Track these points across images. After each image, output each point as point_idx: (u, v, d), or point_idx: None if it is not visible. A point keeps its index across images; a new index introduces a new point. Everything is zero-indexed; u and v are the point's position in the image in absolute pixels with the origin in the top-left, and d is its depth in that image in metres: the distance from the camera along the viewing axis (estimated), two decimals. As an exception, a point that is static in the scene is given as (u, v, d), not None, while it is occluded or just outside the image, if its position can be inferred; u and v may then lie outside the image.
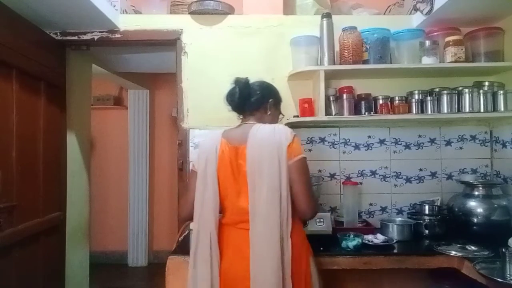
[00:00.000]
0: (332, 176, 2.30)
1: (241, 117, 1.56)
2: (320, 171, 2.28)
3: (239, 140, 1.41)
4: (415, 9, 2.23)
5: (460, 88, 2.09)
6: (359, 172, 2.30)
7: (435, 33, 2.18)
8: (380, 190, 2.30)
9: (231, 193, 1.39)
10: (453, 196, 2.09)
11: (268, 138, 1.36)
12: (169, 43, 2.35)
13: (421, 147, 2.31)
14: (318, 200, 2.03)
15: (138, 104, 4.45)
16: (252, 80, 1.54)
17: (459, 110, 2.06)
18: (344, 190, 2.18)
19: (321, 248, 1.66)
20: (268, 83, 1.61)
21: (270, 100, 1.55)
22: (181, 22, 2.33)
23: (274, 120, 1.58)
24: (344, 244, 1.74)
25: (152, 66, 3.44)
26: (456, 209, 1.98)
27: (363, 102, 2.15)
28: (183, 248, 1.86)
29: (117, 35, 2.31)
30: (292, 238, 1.33)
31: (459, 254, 1.65)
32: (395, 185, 2.30)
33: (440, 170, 2.30)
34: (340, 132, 2.30)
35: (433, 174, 2.30)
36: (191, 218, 1.44)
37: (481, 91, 2.05)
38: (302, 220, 1.48)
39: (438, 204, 2.17)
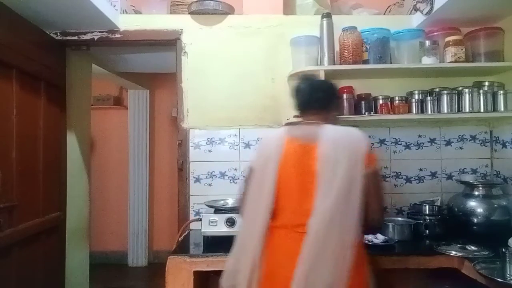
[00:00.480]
0: (332, 176, 2.30)
1: (302, 116, 1.49)
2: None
3: (308, 138, 1.35)
4: (415, 9, 2.22)
5: (460, 88, 2.09)
6: (359, 172, 2.30)
7: (435, 33, 2.18)
8: (380, 190, 2.29)
9: (294, 193, 1.33)
10: (453, 196, 2.09)
11: (344, 141, 1.32)
12: (169, 43, 2.35)
13: (421, 147, 2.31)
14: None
15: (138, 104, 4.44)
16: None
17: (459, 110, 2.07)
18: (344, 190, 2.17)
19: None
20: (331, 82, 1.56)
21: (335, 99, 1.53)
22: (181, 22, 2.33)
23: (335, 119, 1.53)
24: (344, 244, 1.73)
25: (152, 66, 3.44)
26: (456, 209, 1.98)
27: (363, 102, 2.16)
28: (183, 248, 1.87)
29: (117, 35, 2.31)
30: (353, 248, 1.23)
31: (459, 254, 1.65)
32: (395, 185, 2.30)
33: (440, 170, 2.30)
34: (340, 132, 2.30)
35: (433, 174, 2.30)
36: None
37: (481, 91, 2.05)
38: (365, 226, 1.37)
39: (438, 204, 2.17)
